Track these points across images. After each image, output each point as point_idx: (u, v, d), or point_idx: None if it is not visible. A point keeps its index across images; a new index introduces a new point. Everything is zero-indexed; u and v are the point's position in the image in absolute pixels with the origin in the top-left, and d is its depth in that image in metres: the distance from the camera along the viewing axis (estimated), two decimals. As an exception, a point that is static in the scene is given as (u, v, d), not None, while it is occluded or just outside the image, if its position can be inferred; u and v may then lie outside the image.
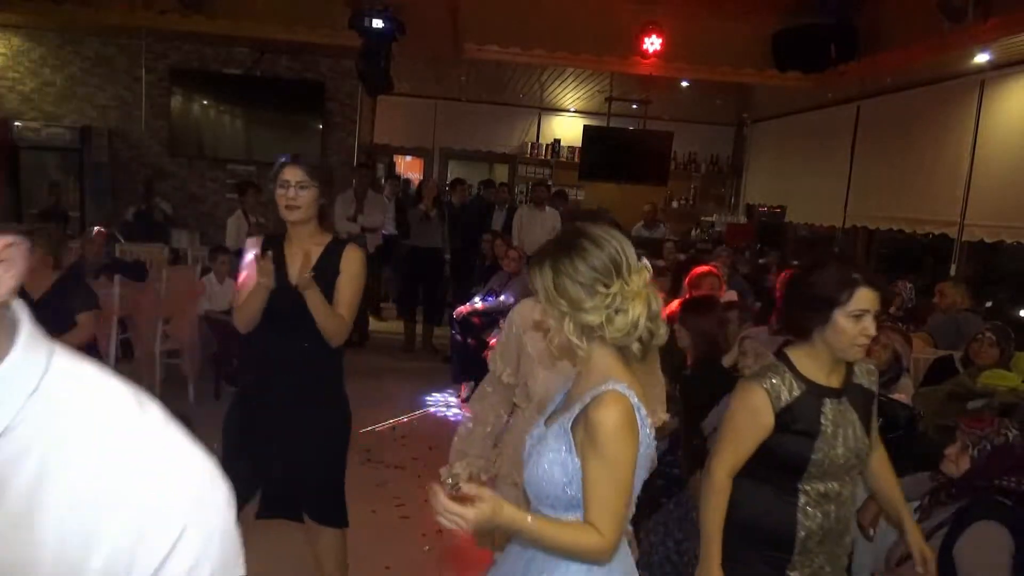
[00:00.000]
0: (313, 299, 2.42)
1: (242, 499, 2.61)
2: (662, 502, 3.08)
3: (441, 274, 7.79)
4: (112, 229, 6.36)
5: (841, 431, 1.93)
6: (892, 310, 5.21)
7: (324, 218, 2.61)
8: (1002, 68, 5.79)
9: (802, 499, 1.94)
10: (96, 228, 5.25)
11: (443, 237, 7.56)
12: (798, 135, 9.11)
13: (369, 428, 5.01)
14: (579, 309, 1.42)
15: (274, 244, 2.55)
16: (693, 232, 10.36)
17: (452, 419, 5.58)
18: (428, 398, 5.94)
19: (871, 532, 2.69)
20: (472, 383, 5.96)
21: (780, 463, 1.94)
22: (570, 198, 9.58)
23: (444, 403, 5.94)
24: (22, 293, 3.08)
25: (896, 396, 3.36)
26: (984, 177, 5.96)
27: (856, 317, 1.86)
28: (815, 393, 1.94)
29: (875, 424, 2.09)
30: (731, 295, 5.24)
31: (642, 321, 1.42)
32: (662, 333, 1.47)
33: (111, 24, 6.93)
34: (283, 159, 2.52)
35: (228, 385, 5.13)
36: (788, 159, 9.40)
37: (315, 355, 2.52)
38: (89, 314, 3.56)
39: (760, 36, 7.20)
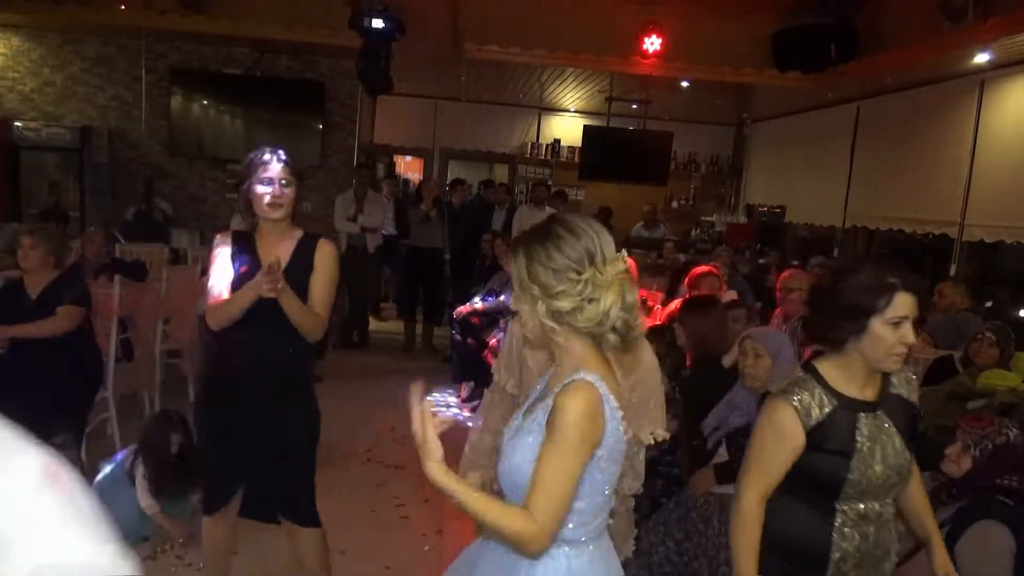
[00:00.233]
0: (288, 303, 2.40)
1: (226, 496, 2.62)
2: (662, 502, 3.08)
3: (441, 274, 7.79)
4: (112, 229, 6.36)
5: (879, 448, 1.79)
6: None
7: (294, 214, 2.58)
8: (1002, 68, 5.79)
9: (839, 519, 1.80)
10: (95, 228, 5.25)
11: (443, 237, 7.56)
12: (798, 135, 9.11)
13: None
14: (550, 295, 1.43)
15: (246, 240, 2.53)
16: (693, 232, 10.36)
17: (451, 418, 5.58)
18: (428, 398, 5.93)
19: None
20: (472, 383, 5.96)
21: (813, 483, 1.81)
22: (570, 198, 9.58)
23: (444, 403, 5.94)
24: (20, 292, 3.10)
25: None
26: (984, 177, 5.96)
27: (895, 325, 1.74)
28: (848, 408, 1.80)
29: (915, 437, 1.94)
30: (731, 295, 5.24)
31: (614, 311, 1.41)
32: (639, 325, 1.45)
33: (111, 24, 6.93)
34: (263, 154, 2.48)
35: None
36: (788, 159, 9.40)
37: (290, 352, 2.52)
38: (71, 308, 3.53)
39: (760, 36, 7.21)
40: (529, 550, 1.39)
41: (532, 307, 1.46)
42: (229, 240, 2.52)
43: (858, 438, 1.78)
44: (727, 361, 3.21)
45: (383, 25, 6.12)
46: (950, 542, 2.31)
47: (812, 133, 8.69)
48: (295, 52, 7.69)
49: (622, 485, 2.07)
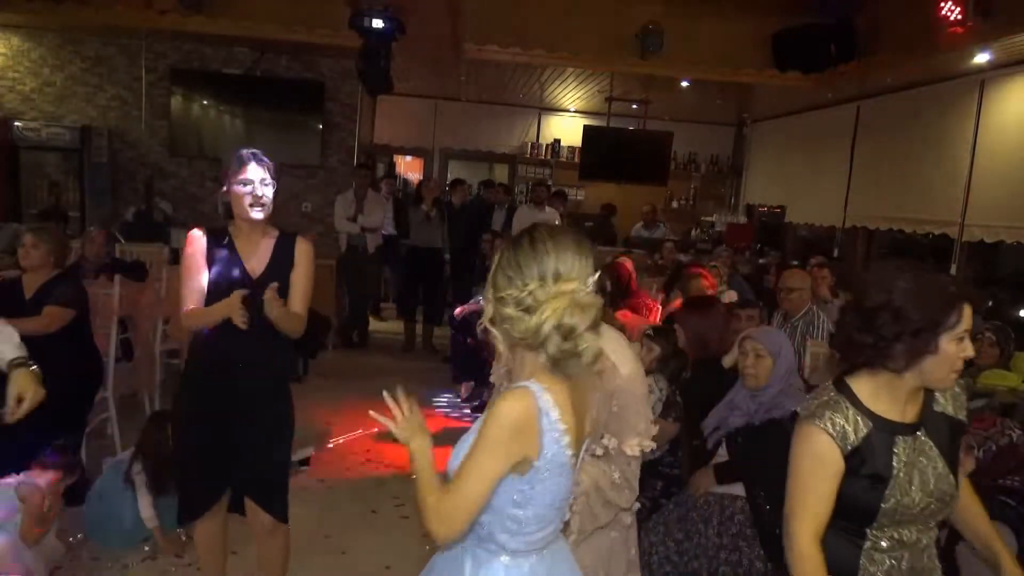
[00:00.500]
0: (278, 317, 2.45)
1: (216, 494, 2.62)
2: (662, 502, 3.08)
3: (441, 274, 7.79)
4: (112, 229, 6.36)
5: (917, 473, 1.65)
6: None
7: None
8: (1002, 68, 5.79)
9: (869, 543, 1.68)
10: (95, 228, 5.24)
11: (443, 237, 7.56)
12: (798, 135, 9.11)
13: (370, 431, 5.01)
14: (497, 298, 1.45)
15: (223, 237, 2.54)
16: (693, 232, 10.36)
17: (452, 418, 5.59)
18: (428, 398, 5.94)
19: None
20: (472, 383, 5.96)
21: (844, 510, 1.67)
22: (570, 198, 9.58)
23: (445, 403, 5.94)
24: (17, 291, 3.09)
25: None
26: (984, 177, 5.96)
27: (959, 339, 1.59)
28: (886, 431, 1.65)
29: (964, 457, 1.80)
30: (731, 295, 5.24)
31: (546, 328, 1.39)
32: (583, 350, 1.41)
33: (111, 24, 6.93)
34: (244, 155, 2.48)
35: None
36: (788, 159, 9.40)
37: (270, 348, 2.55)
38: (56, 308, 3.52)
39: (760, 36, 7.20)
40: (426, 526, 1.42)
41: (487, 306, 1.49)
42: (204, 239, 2.52)
43: (894, 464, 1.64)
44: (727, 361, 3.21)
45: (383, 25, 6.11)
46: (952, 542, 2.30)
47: (812, 133, 8.69)
48: (295, 52, 7.68)
49: (619, 499, 2.06)
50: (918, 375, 1.62)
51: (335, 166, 8.06)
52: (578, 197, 10.27)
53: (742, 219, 10.19)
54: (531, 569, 1.49)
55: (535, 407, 1.39)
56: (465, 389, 6.03)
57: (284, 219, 2.73)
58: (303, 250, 2.61)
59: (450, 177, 10.22)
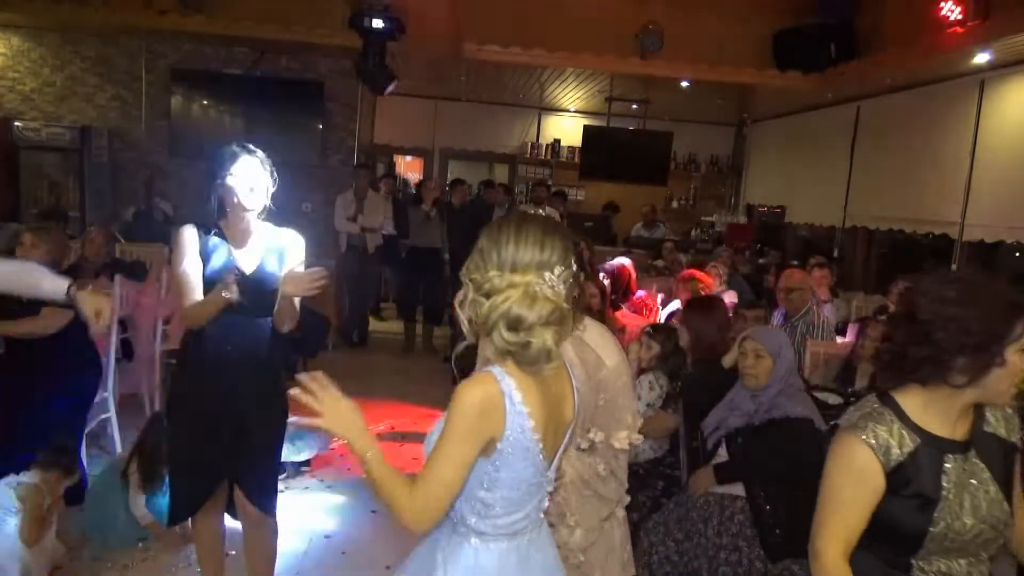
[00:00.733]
0: (284, 307, 2.49)
1: (207, 490, 2.62)
2: (662, 502, 3.08)
3: (441, 274, 7.79)
4: (112, 229, 6.36)
5: (968, 496, 1.54)
6: (892, 310, 5.21)
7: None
8: (1002, 68, 5.79)
9: (915, 575, 1.57)
10: (95, 228, 5.24)
11: (442, 237, 7.57)
12: (798, 135, 9.11)
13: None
14: (468, 277, 1.47)
15: (214, 232, 2.54)
16: (693, 232, 10.36)
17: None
18: (428, 398, 5.93)
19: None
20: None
21: (888, 535, 1.56)
22: (570, 198, 9.58)
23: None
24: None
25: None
26: (984, 177, 5.96)
27: (1022, 351, 1.50)
28: (934, 448, 1.55)
29: (1019, 484, 1.65)
30: (731, 295, 5.25)
31: (493, 316, 1.40)
32: (531, 345, 1.39)
33: (111, 24, 6.93)
34: (236, 148, 2.49)
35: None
36: (788, 159, 9.40)
37: (264, 340, 2.56)
38: (54, 309, 3.52)
39: (760, 36, 7.21)
40: (403, 523, 1.42)
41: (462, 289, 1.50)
42: (196, 234, 2.52)
43: (944, 484, 1.53)
44: (727, 361, 3.21)
45: (383, 25, 6.12)
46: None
47: (812, 133, 8.69)
48: (295, 52, 7.69)
49: (606, 491, 2.05)
50: (979, 390, 1.52)
51: (335, 166, 8.07)
52: (578, 197, 10.27)
53: (742, 219, 10.19)
54: (501, 554, 1.50)
55: (498, 390, 1.40)
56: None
57: (284, 219, 2.72)
58: (295, 243, 2.62)
59: (450, 177, 10.22)
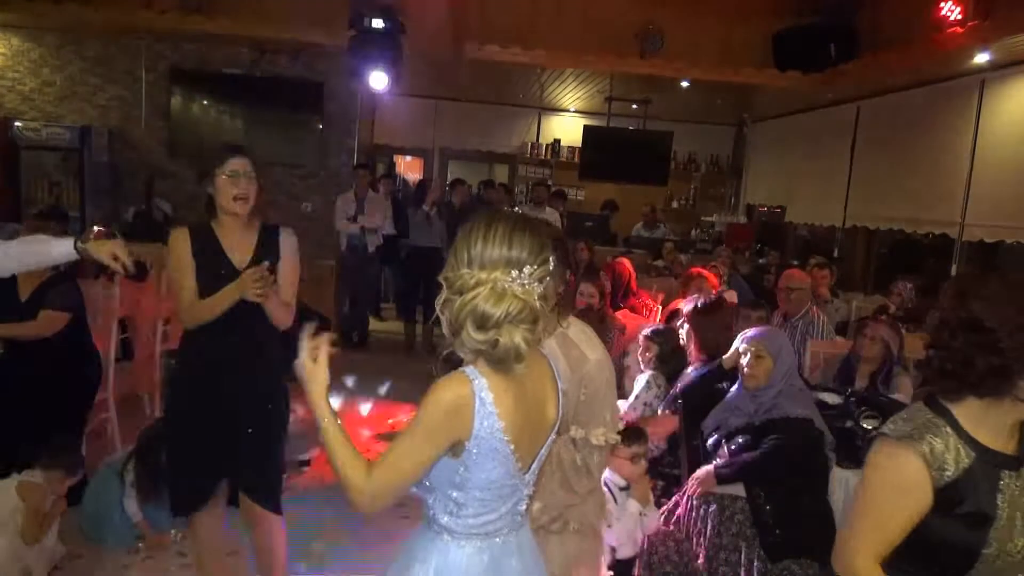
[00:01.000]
0: (268, 305, 2.47)
1: (207, 490, 2.62)
2: (662, 502, 3.08)
3: (441, 274, 7.78)
4: (112, 229, 6.37)
5: (1020, 515, 1.45)
6: (892, 310, 5.21)
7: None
8: (1002, 68, 5.79)
9: None
10: (96, 228, 5.24)
11: (442, 237, 7.57)
12: (798, 135, 9.11)
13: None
14: (443, 277, 1.46)
15: (206, 233, 2.54)
16: (693, 232, 10.37)
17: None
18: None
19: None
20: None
21: (935, 555, 1.47)
22: (570, 198, 9.58)
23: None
24: (11, 292, 3.14)
25: (896, 396, 3.36)
26: (984, 177, 5.96)
27: None
28: (990, 463, 1.45)
29: None
30: (731, 295, 5.24)
31: (462, 314, 1.39)
32: (500, 344, 1.38)
33: (111, 24, 6.93)
34: (228, 148, 2.50)
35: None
36: (788, 159, 9.40)
37: (262, 339, 2.56)
38: (51, 313, 3.52)
39: (760, 36, 7.20)
40: (353, 504, 1.44)
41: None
42: (188, 236, 2.52)
43: (999, 501, 1.44)
44: (727, 362, 3.21)
45: (383, 25, 6.11)
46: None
47: (812, 133, 8.69)
48: (295, 52, 7.68)
49: (576, 483, 2.04)
50: None
51: (335, 166, 8.06)
52: (578, 197, 10.27)
53: (742, 219, 10.19)
54: (473, 552, 1.50)
55: (469, 392, 1.40)
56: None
57: (284, 219, 2.72)
58: (288, 241, 2.62)
59: (450, 177, 10.22)
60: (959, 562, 1.46)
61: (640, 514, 2.63)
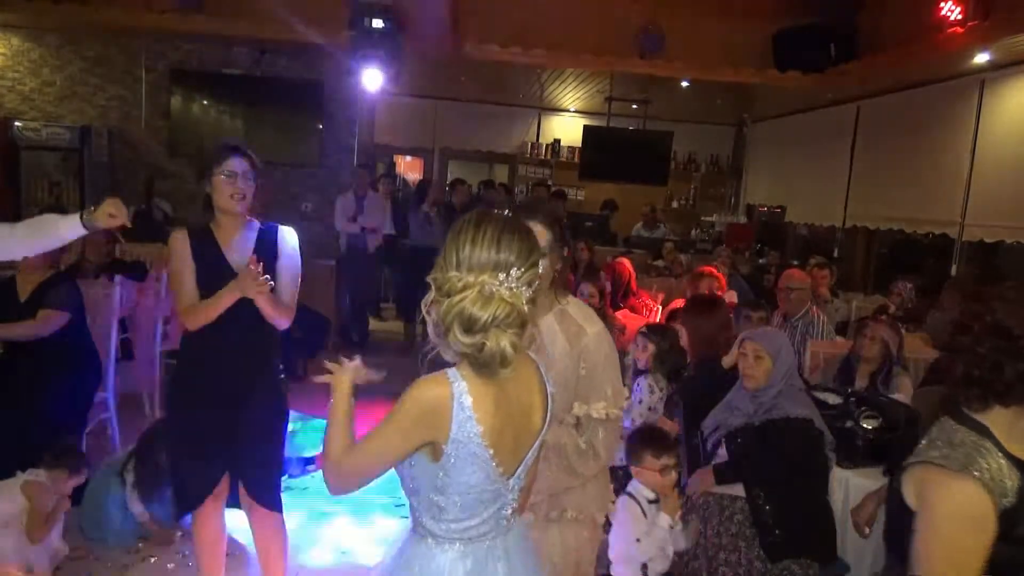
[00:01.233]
0: (262, 303, 2.45)
1: (208, 486, 2.62)
2: (662, 502, 3.08)
3: (441, 274, 7.78)
4: (112, 230, 6.37)
5: None
6: (892, 310, 5.21)
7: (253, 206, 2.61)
8: (1002, 68, 5.79)
9: None
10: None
11: (442, 237, 7.56)
12: (798, 135, 9.11)
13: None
14: (431, 278, 1.45)
15: (204, 235, 2.54)
16: (693, 232, 10.36)
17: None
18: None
19: (867, 531, 2.69)
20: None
21: None
22: (570, 198, 9.58)
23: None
24: (10, 293, 3.14)
25: (896, 396, 3.36)
26: (984, 177, 5.96)
27: None
28: None
29: None
30: (731, 295, 5.24)
31: (449, 317, 1.38)
32: (486, 347, 1.37)
33: (111, 24, 6.93)
34: (226, 147, 2.49)
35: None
36: (788, 159, 9.40)
37: (258, 338, 2.55)
38: (48, 312, 3.52)
39: (760, 36, 7.20)
40: (325, 475, 1.50)
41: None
42: (187, 237, 2.52)
43: None
44: (727, 362, 3.21)
45: (383, 25, 6.11)
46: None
47: (812, 133, 8.69)
48: (295, 52, 7.68)
49: (582, 467, 2.03)
50: None
51: (335, 166, 8.06)
52: (578, 197, 10.27)
53: (742, 219, 10.19)
54: (455, 557, 1.49)
55: (448, 394, 1.39)
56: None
57: (284, 219, 2.72)
58: (287, 240, 2.61)
59: (450, 177, 10.22)
60: None
61: (670, 527, 2.56)
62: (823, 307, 5.09)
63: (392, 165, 10.98)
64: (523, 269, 1.40)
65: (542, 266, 1.45)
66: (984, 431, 1.42)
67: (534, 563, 1.64)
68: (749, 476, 2.77)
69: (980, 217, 5.98)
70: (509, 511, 1.54)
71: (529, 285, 1.41)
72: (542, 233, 1.95)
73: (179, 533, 3.40)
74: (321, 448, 1.50)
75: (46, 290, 3.55)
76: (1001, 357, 1.40)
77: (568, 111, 10.44)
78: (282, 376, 2.70)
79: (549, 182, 9.81)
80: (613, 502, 2.24)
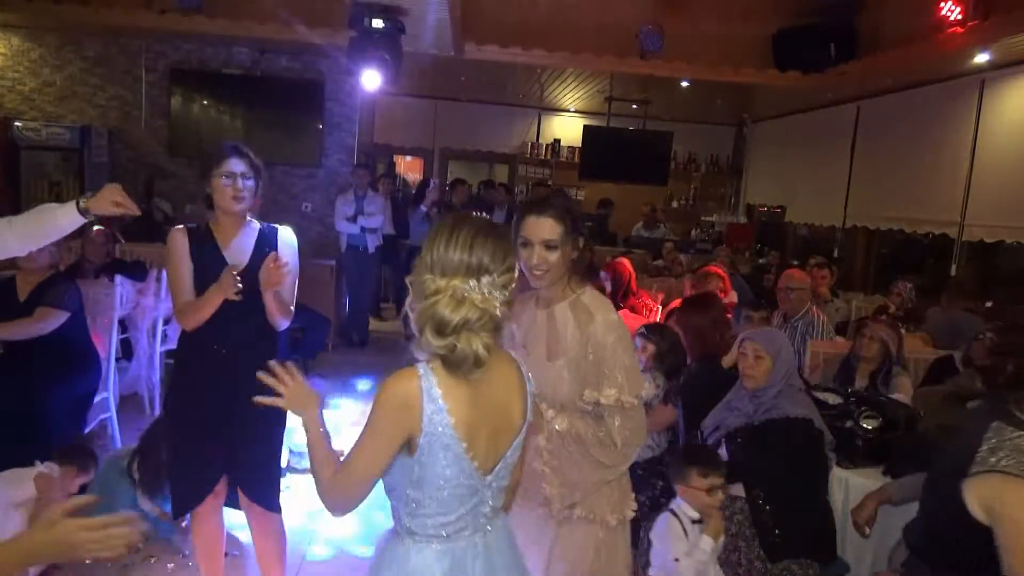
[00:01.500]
0: (268, 301, 2.48)
1: (208, 485, 2.62)
2: (662, 502, 3.07)
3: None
4: (112, 229, 6.37)
5: None
6: (892, 310, 5.21)
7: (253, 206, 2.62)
8: (1002, 68, 5.79)
9: None
10: (96, 228, 5.24)
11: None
12: (798, 135, 9.11)
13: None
14: (409, 280, 1.46)
15: (203, 235, 2.54)
16: (693, 232, 10.37)
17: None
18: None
19: (867, 531, 2.69)
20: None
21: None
22: (570, 198, 9.58)
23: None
24: (10, 293, 3.14)
25: (896, 396, 3.36)
26: (984, 177, 5.96)
27: None
28: None
29: None
30: (731, 296, 5.25)
31: (423, 319, 1.40)
32: (458, 349, 1.39)
33: (111, 24, 6.92)
34: (226, 147, 2.50)
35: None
36: (788, 159, 9.40)
37: (260, 337, 2.56)
38: (45, 310, 3.52)
39: (760, 36, 7.20)
40: (322, 502, 1.50)
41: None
42: (186, 237, 2.53)
43: None
44: (726, 362, 3.21)
45: (383, 25, 6.11)
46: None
47: (812, 133, 8.69)
48: (295, 52, 7.68)
49: (602, 456, 2.00)
50: None
51: (335, 166, 8.06)
52: (578, 197, 10.28)
53: (742, 219, 10.20)
54: (433, 554, 1.50)
55: (418, 386, 1.40)
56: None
57: (284, 219, 2.73)
58: (287, 241, 2.62)
59: (450, 177, 10.22)
60: None
61: (713, 551, 2.47)
62: (823, 307, 5.09)
63: (392, 165, 10.98)
64: (496, 274, 1.41)
65: (517, 269, 1.47)
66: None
67: (516, 561, 1.63)
68: (749, 476, 2.77)
69: (980, 217, 5.99)
70: (488, 508, 1.54)
71: (504, 288, 1.42)
72: (554, 226, 1.97)
73: (184, 523, 3.40)
74: (313, 479, 1.51)
75: (45, 289, 3.55)
76: None
77: (568, 111, 10.45)
78: None
79: (549, 182, 9.82)
80: (635, 511, 2.17)
